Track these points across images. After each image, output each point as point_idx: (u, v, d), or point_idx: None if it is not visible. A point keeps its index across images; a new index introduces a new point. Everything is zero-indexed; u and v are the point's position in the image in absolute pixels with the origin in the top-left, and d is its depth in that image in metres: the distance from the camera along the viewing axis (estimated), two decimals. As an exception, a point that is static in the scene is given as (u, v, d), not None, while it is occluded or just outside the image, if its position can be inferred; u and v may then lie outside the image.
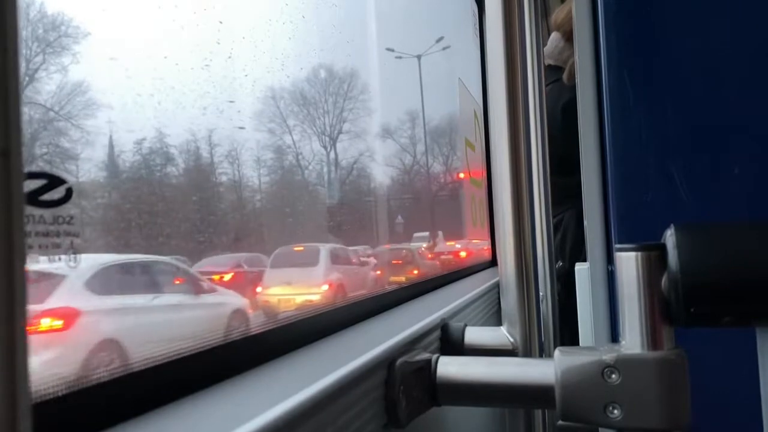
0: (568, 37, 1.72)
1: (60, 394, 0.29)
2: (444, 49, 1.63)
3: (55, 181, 0.28)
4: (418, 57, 1.51)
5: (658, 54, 0.93)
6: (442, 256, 1.71)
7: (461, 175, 1.86)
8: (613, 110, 0.93)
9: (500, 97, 0.72)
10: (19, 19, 0.18)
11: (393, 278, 1.35)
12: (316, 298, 0.99)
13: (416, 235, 1.55)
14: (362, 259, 1.16)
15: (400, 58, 1.39)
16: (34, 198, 0.27)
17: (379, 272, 1.23)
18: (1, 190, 0.17)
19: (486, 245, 1.92)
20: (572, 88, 1.47)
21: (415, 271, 1.50)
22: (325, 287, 1.00)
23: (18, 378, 0.17)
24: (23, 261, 0.18)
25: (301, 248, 0.93)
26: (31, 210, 0.27)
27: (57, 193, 0.28)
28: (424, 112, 1.53)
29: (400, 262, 1.43)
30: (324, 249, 0.99)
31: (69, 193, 0.29)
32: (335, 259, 1.03)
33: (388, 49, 1.29)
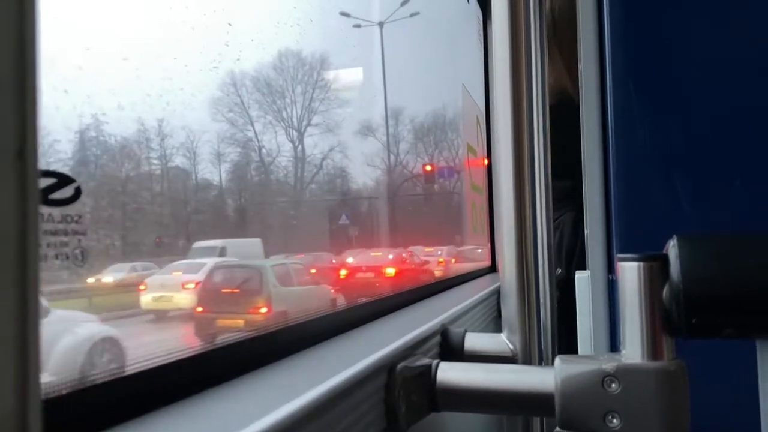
0: None
1: (67, 392, 0.29)
2: (412, 15, 1.54)
3: (64, 180, 0.28)
4: (380, 24, 1.34)
5: (663, 65, 0.93)
6: (359, 275, 1.10)
7: (428, 168, 1.57)
8: (616, 120, 0.94)
9: (504, 103, 0.72)
10: (38, 19, 0.18)
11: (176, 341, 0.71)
12: None
13: (197, 245, 0.75)
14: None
15: (359, 26, 1.29)
16: (44, 197, 0.27)
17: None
18: (16, 191, 0.17)
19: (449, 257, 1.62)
20: (552, 97, 1.48)
21: (263, 309, 0.86)
22: None
23: (30, 374, 0.17)
24: (37, 260, 0.18)
25: None
26: (40, 209, 0.27)
27: (66, 192, 0.28)
28: (387, 87, 1.40)
29: (235, 291, 0.84)
30: None
31: (78, 191, 0.29)
32: None
33: (342, 14, 1.15)
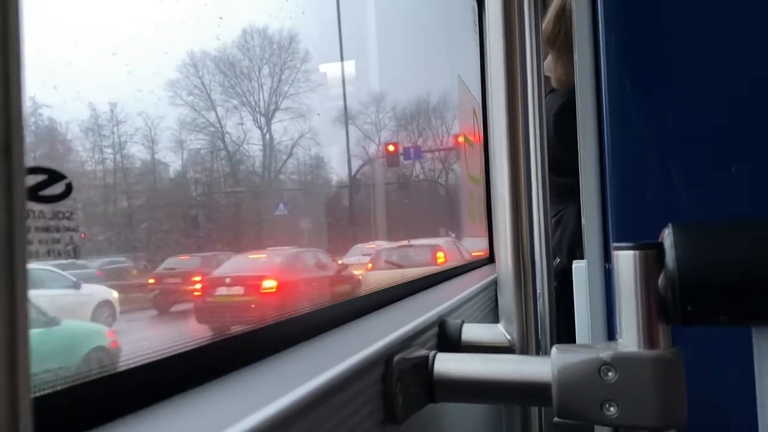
0: (550, 43, 1.70)
1: (56, 390, 0.29)
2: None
3: (55, 176, 0.28)
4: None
5: (657, 53, 0.93)
6: (220, 291, 0.72)
7: (391, 148, 1.35)
8: (612, 108, 0.94)
9: (499, 94, 0.72)
10: (21, 12, 0.18)
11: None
12: None
13: None
14: None
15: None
16: (34, 193, 0.27)
17: None
18: (1, 186, 0.17)
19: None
20: (564, 94, 1.47)
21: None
22: None
23: (19, 373, 0.17)
24: (24, 257, 0.18)
25: None
26: (31, 205, 0.27)
27: (57, 189, 0.28)
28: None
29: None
30: None
31: (69, 188, 0.29)
32: None
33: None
